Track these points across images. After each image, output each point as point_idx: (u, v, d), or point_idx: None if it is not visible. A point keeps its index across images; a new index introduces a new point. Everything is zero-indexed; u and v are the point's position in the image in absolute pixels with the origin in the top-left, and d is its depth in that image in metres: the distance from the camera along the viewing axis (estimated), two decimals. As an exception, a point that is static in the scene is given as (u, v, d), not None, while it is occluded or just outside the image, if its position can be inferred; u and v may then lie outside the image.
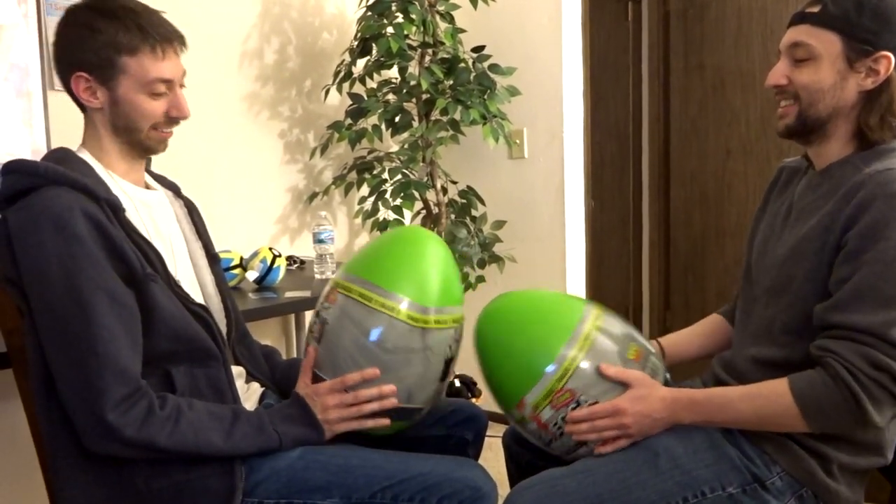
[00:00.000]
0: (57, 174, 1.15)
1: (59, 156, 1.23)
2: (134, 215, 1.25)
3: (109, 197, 1.18)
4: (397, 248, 1.27)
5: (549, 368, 1.20)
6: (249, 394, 1.37)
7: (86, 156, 1.26)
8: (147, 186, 1.34)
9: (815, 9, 1.19)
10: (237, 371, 1.36)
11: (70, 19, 1.22)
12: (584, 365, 1.20)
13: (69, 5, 1.24)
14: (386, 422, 1.24)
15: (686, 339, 1.51)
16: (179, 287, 1.24)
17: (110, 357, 1.10)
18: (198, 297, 1.31)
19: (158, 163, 1.42)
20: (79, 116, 1.28)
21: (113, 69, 1.21)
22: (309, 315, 2.73)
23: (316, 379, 1.25)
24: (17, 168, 1.17)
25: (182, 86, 1.28)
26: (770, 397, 1.14)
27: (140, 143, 1.26)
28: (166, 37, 1.23)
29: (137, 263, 1.16)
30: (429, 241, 1.28)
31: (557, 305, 1.28)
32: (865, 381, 1.07)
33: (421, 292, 1.23)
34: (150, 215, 1.29)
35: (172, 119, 1.27)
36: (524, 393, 1.22)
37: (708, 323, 1.52)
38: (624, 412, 1.20)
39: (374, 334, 1.21)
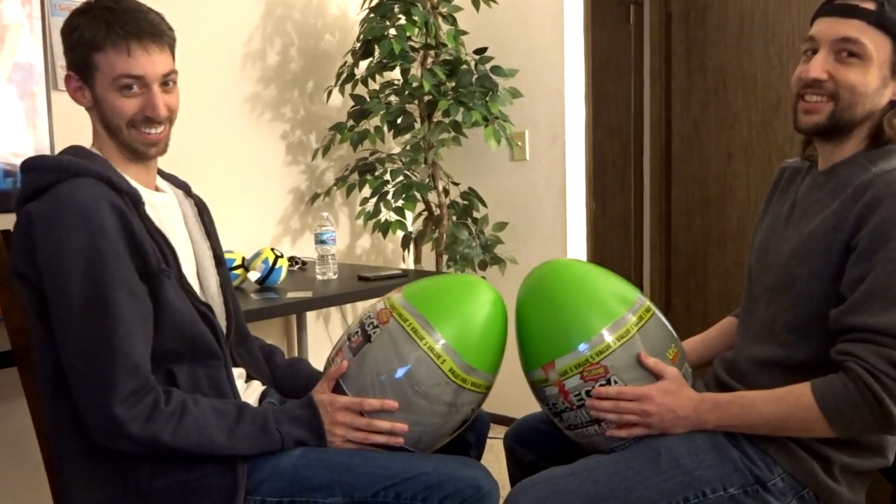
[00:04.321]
0: (80, 167, 1.16)
1: (77, 152, 1.23)
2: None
3: (131, 190, 1.19)
4: (465, 298, 1.26)
5: (583, 346, 1.21)
6: (250, 392, 1.37)
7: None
8: (156, 188, 1.34)
9: (870, 6, 1.14)
10: (237, 372, 1.37)
11: (65, 20, 1.22)
12: (621, 351, 1.21)
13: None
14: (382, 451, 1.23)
15: (701, 343, 1.51)
16: (189, 284, 1.24)
17: (125, 351, 1.10)
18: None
19: (161, 163, 1.42)
20: (82, 117, 1.29)
21: (89, 67, 1.20)
22: (310, 316, 2.75)
23: (336, 387, 1.25)
24: (37, 165, 1.17)
25: (165, 85, 1.23)
26: (792, 401, 1.14)
27: (125, 144, 1.24)
28: (134, 32, 1.18)
29: (153, 258, 1.16)
30: (496, 303, 1.27)
31: (612, 287, 1.28)
32: (888, 381, 1.06)
33: (471, 351, 1.22)
34: (157, 217, 1.29)
35: (149, 119, 1.22)
36: (556, 356, 1.22)
37: (723, 326, 1.52)
38: (651, 400, 1.20)
39: (411, 373, 1.19)
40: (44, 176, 1.16)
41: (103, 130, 1.25)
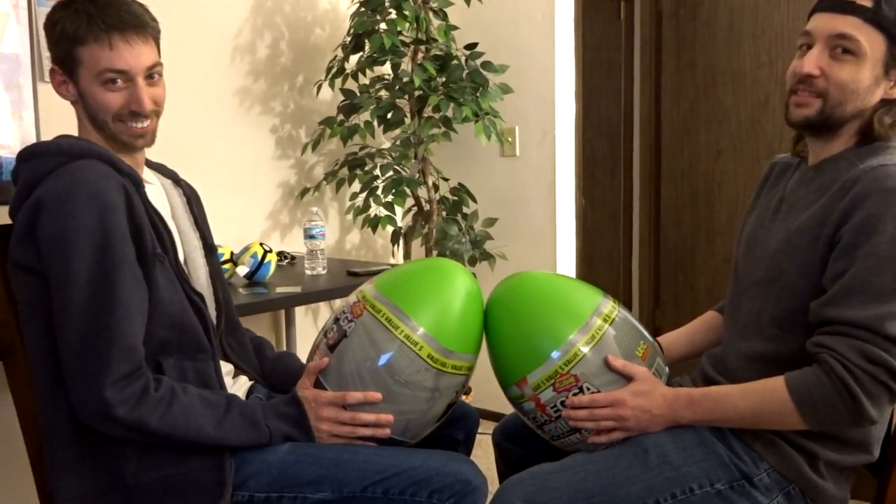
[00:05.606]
0: (83, 149, 1.15)
1: (71, 139, 1.22)
2: None
3: (132, 172, 1.19)
4: (437, 282, 1.25)
5: (555, 354, 1.21)
6: (237, 388, 1.37)
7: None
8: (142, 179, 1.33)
9: (867, 3, 1.14)
10: (226, 368, 1.36)
11: (47, 14, 1.21)
12: (592, 355, 1.21)
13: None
14: (372, 445, 1.23)
15: (684, 337, 1.51)
16: (183, 270, 1.24)
17: (121, 332, 1.09)
18: (189, 290, 1.31)
19: (148, 156, 1.41)
20: (68, 108, 1.27)
21: (73, 61, 1.19)
22: (299, 311, 2.74)
23: (317, 384, 1.24)
24: (39, 151, 1.16)
25: (150, 77, 1.22)
26: (766, 394, 1.15)
27: (113, 138, 1.23)
28: (116, 25, 1.16)
29: (150, 242, 1.16)
30: (469, 284, 1.26)
31: (574, 292, 1.28)
32: (861, 375, 1.07)
33: (447, 334, 1.21)
34: None
35: (135, 112, 1.21)
36: (527, 371, 1.22)
37: (705, 320, 1.53)
38: (624, 404, 1.20)
39: (390, 363, 1.19)
40: (48, 160, 1.15)
41: (89, 123, 1.24)
